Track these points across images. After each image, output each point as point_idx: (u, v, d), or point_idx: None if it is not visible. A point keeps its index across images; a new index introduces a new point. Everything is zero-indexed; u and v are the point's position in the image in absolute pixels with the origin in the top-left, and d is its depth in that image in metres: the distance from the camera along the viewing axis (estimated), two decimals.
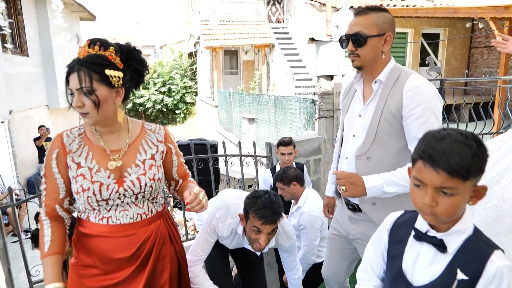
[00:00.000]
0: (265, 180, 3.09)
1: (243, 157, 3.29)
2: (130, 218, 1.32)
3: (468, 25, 8.82)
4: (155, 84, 16.87)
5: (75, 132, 1.34)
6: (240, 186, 4.68)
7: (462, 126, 4.46)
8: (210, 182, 3.12)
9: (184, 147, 3.34)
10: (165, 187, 1.54)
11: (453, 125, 4.26)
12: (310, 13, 10.84)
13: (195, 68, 17.30)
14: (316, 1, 10.31)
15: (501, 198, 1.28)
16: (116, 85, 1.24)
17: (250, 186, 4.59)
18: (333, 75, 3.70)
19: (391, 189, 1.38)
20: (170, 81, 17.05)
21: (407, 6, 9.60)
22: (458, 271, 0.88)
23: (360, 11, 1.50)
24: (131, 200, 1.32)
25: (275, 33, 12.51)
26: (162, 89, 16.87)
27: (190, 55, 17.66)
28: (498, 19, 6.57)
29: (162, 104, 16.91)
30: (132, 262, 1.32)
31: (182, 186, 1.52)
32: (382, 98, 1.48)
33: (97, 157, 1.31)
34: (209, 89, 14.00)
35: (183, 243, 2.94)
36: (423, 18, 9.08)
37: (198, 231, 2.20)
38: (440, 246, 0.91)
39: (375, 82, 1.51)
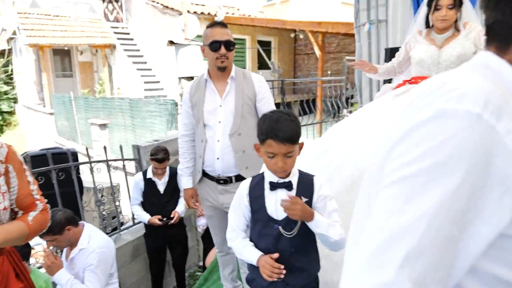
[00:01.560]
0: (136, 184, 2.96)
1: (109, 162, 3.09)
2: None
3: (292, 35, 10.53)
4: None
5: None
6: (102, 196, 4.29)
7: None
8: (74, 193, 2.81)
9: (39, 158, 2.89)
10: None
11: None
12: (153, 14, 10.65)
13: (11, 70, 14.30)
14: (158, 3, 10.21)
15: (355, 167, 1.78)
16: None
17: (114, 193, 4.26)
18: (193, 77, 3.87)
19: None
20: None
21: (243, 15, 10.67)
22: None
23: (224, 24, 1.99)
24: None
25: (115, 32, 11.70)
26: None
27: (2, 53, 14.47)
28: (314, 32, 8.16)
29: None
30: None
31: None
32: (239, 89, 1.95)
33: None
34: (36, 95, 11.90)
35: None
36: (258, 27, 10.32)
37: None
38: (289, 186, 1.34)
39: (231, 78, 1.96)
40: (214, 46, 1.88)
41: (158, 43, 10.12)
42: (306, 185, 1.36)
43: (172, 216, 2.85)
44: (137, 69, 10.82)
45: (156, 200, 2.87)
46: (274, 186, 1.35)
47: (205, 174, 2.06)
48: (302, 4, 10.80)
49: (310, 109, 5.54)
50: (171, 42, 3.82)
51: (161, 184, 2.89)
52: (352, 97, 5.91)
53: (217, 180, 2.02)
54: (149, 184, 2.88)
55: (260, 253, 1.35)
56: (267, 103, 2.00)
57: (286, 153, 1.26)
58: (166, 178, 2.90)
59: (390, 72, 2.32)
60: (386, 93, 2.21)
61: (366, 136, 1.94)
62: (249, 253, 1.37)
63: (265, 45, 11.73)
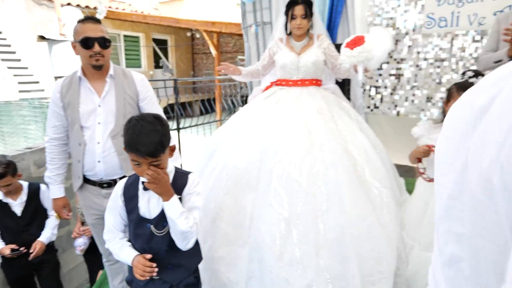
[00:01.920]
0: None
1: None
2: None
3: (188, 34, 10.41)
4: None
5: None
6: None
7: (194, 119, 5.33)
8: None
9: None
10: None
11: (188, 120, 5.08)
12: (26, 5, 9.29)
13: None
14: None
15: (236, 168, 1.93)
16: None
17: None
18: None
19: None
20: None
21: (135, 11, 10.10)
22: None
23: (97, 19, 1.84)
24: None
25: None
26: None
27: None
28: (209, 31, 8.21)
29: None
30: None
31: None
32: (120, 88, 1.86)
33: None
34: None
35: None
36: (152, 25, 9.89)
37: None
38: None
39: (110, 77, 1.86)
40: (86, 43, 1.76)
41: (34, 38, 8.88)
42: (180, 183, 1.35)
43: (32, 250, 2.36)
44: (8, 68, 9.29)
45: (13, 224, 2.40)
46: (147, 187, 1.32)
47: (85, 180, 1.92)
48: (198, 2, 10.76)
49: (208, 108, 5.59)
50: (42, 38, 3.38)
51: (17, 205, 2.42)
52: (247, 96, 6.15)
53: (100, 185, 1.91)
54: (1, 207, 2.40)
55: (135, 253, 1.34)
56: (149, 103, 1.96)
57: (152, 162, 1.22)
58: (23, 197, 2.44)
59: (254, 74, 2.50)
60: (257, 96, 2.41)
61: (243, 138, 2.08)
62: (125, 254, 1.35)
63: (162, 44, 11.34)
